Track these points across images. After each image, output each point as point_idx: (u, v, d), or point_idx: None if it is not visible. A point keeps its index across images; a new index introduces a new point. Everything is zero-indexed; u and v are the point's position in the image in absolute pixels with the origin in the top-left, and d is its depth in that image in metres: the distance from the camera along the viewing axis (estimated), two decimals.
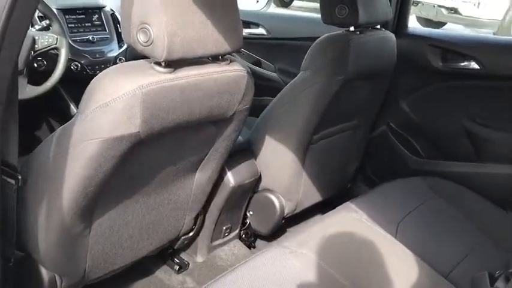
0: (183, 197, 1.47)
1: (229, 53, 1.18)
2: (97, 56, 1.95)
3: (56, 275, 1.25)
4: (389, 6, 1.81)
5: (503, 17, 5.80)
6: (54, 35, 1.66)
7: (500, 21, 5.82)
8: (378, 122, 2.11)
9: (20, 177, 1.00)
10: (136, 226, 1.37)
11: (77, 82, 1.58)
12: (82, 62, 1.90)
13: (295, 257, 1.28)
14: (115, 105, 1.02)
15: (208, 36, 1.10)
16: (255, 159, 1.77)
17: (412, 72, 2.02)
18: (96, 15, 2.03)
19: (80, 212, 1.17)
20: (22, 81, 1.59)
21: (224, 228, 1.78)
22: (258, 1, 3.14)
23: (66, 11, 1.94)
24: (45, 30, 1.69)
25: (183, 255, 1.77)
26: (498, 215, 1.78)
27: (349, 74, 1.62)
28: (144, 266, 1.67)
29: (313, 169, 1.84)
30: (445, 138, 2.02)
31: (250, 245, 1.93)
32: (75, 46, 1.90)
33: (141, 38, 1.03)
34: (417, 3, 6.38)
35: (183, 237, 1.61)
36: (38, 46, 1.63)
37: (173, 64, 1.08)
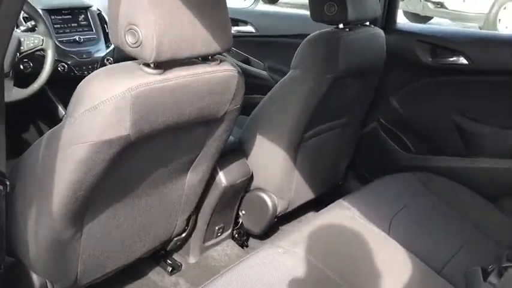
0: (175, 198, 1.45)
1: (219, 53, 1.17)
2: (84, 56, 1.93)
3: (47, 281, 1.24)
4: (378, 3, 1.81)
5: (488, 11, 5.85)
6: (40, 36, 1.63)
7: (486, 15, 5.87)
8: (368, 119, 2.11)
9: (8, 182, 0.98)
10: (128, 229, 1.36)
11: (64, 83, 1.56)
12: (69, 62, 1.88)
13: (289, 256, 1.28)
14: (104, 108, 1.00)
15: (198, 36, 1.08)
16: (247, 159, 1.76)
17: (401, 68, 2.03)
18: (83, 15, 2.00)
19: (70, 216, 1.15)
20: (8, 83, 1.56)
21: (216, 228, 1.77)
22: None
23: (51, 12, 1.90)
24: (30, 31, 1.66)
25: (176, 257, 1.76)
26: (488, 209, 1.80)
27: (339, 72, 1.62)
28: (137, 268, 1.65)
29: (305, 167, 1.84)
30: (435, 134, 2.03)
31: (243, 245, 1.92)
32: (62, 47, 1.87)
33: (130, 39, 1.01)
34: None
35: (175, 239, 1.60)
36: (23, 48, 1.60)
37: (162, 65, 1.06)
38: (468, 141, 1.94)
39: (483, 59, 1.86)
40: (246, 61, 2.60)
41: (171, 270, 1.69)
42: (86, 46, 1.95)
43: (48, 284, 1.24)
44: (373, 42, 1.81)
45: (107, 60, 1.98)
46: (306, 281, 1.23)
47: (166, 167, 1.32)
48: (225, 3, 1.16)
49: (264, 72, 2.56)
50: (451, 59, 1.94)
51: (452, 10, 6.15)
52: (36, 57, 1.68)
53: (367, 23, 1.84)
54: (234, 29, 2.55)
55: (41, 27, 1.65)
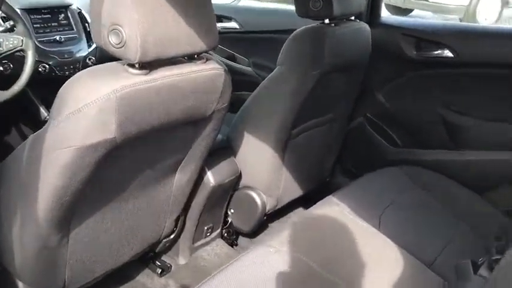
0: (163, 199, 1.43)
1: (205, 52, 1.15)
2: (65, 56, 1.88)
3: None
4: None
5: (469, 3, 5.91)
6: (19, 37, 1.59)
7: (466, 7, 5.93)
8: (354, 114, 2.11)
9: None
10: (115, 233, 1.33)
11: (46, 84, 1.53)
12: (50, 63, 1.83)
13: (281, 255, 1.27)
14: (88, 111, 0.97)
15: (183, 35, 1.06)
16: (235, 157, 1.75)
17: (386, 62, 2.02)
18: (63, 14, 1.95)
19: (56, 222, 1.12)
20: None
21: (206, 228, 1.75)
22: None
23: (30, 11, 1.85)
24: (9, 31, 1.62)
25: (165, 258, 1.74)
26: (475, 201, 1.81)
27: (325, 67, 1.61)
28: (126, 271, 1.63)
29: (293, 164, 1.83)
30: (421, 127, 2.03)
31: (233, 244, 1.91)
32: (42, 47, 1.83)
33: (113, 39, 0.98)
34: None
35: (164, 240, 1.58)
36: (2, 49, 1.55)
37: (148, 65, 1.04)
38: (454, 134, 1.95)
39: (468, 51, 1.87)
40: (231, 58, 2.58)
41: (161, 272, 1.67)
42: (67, 46, 1.91)
43: None
44: (359, 36, 1.80)
45: (89, 59, 1.94)
46: (299, 279, 1.22)
47: (154, 168, 1.30)
48: (210, 0, 1.13)
49: (248, 69, 2.54)
50: (436, 52, 1.94)
51: (433, 2, 6.20)
52: (16, 58, 1.64)
53: (353, 18, 1.83)
54: (218, 25, 2.52)
55: (20, 28, 1.61)
